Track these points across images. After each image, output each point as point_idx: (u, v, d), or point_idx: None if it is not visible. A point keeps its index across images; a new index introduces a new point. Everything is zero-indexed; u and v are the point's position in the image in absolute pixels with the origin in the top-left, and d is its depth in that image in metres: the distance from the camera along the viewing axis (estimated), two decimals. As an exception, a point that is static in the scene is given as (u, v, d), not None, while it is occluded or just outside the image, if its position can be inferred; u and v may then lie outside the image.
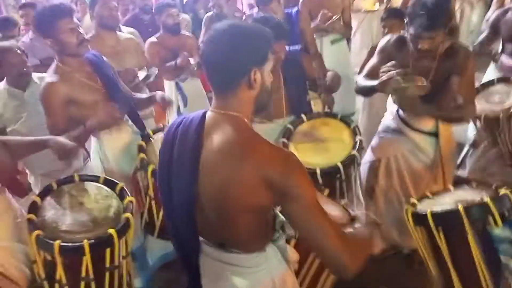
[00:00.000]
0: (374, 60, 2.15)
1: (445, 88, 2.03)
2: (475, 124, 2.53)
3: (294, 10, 3.01)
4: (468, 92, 2.00)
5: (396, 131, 2.19)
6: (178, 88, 3.17)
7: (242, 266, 1.18)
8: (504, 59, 2.68)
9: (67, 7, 1.98)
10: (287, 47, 2.16)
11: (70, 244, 1.35)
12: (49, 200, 1.55)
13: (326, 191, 1.73)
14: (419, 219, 1.51)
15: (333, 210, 1.48)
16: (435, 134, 2.10)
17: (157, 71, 2.94)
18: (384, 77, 1.85)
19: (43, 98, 1.95)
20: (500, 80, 2.52)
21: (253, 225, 1.14)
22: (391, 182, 2.17)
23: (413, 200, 1.62)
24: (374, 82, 1.95)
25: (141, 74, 2.76)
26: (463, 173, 2.61)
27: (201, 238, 1.24)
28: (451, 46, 1.96)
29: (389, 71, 1.86)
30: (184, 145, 1.16)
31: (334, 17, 3.19)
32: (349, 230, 1.27)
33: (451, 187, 1.68)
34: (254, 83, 1.10)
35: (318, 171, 1.85)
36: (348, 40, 3.43)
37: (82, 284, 1.40)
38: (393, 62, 1.92)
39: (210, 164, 1.11)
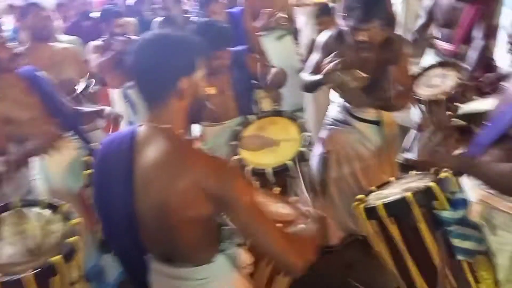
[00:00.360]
0: (316, 56, 2.18)
1: (384, 78, 2.10)
2: (419, 109, 2.62)
3: (237, 9, 2.99)
4: (405, 79, 2.08)
5: (343, 122, 2.25)
6: (126, 96, 3.08)
7: (192, 279, 1.17)
8: (441, 43, 2.80)
9: None
10: (231, 48, 2.15)
11: (9, 277, 1.27)
12: (-14, 231, 1.46)
13: (277, 190, 1.74)
14: (371, 212, 1.52)
15: (282, 207, 1.50)
16: (379, 122, 2.17)
17: (94, 82, 2.79)
18: (327, 67, 1.89)
19: None
20: (438, 64, 2.63)
21: (197, 237, 1.13)
22: (342, 172, 2.23)
23: (360, 196, 1.65)
24: (319, 76, 1.99)
25: (82, 85, 2.64)
26: (412, 157, 2.71)
27: (148, 255, 1.21)
28: (388, 36, 2.02)
29: (331, 61, 1.90)
30: (116, 163, 1.13)
31: (277, 13, 3.20)
32: (293, 229, 1.28)
33: (392, 179, 1.73)
34: (183, 93, 1.08)
35: (268, 171, 1.87)
36: (295, 35, 3.45)
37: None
38: (334, 54, 1.96)
39: (145, 180, 1.09)
